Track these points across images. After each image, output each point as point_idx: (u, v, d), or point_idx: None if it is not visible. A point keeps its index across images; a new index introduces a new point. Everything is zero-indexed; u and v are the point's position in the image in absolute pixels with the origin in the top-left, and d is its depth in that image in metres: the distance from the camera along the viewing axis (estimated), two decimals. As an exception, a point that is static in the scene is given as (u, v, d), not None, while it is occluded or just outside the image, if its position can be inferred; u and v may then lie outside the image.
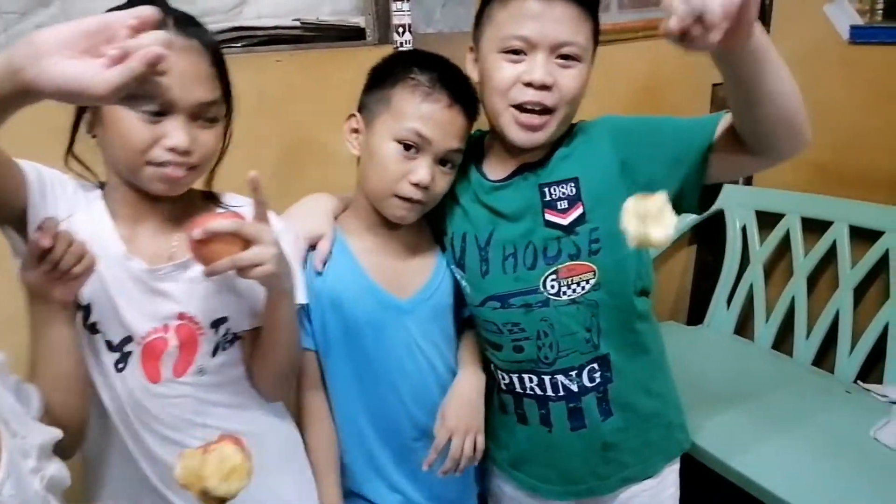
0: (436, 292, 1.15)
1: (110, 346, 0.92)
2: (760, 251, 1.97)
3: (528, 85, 1.00)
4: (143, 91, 0.63)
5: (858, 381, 1.72)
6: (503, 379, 1.16)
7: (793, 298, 1.88)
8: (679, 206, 0.99)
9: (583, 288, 1.06)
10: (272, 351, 0.98)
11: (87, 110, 0.91)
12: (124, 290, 0.91)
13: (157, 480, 0.95)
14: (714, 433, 1.52)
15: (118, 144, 0.88)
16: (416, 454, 1.15)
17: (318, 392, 1.15)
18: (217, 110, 0.91)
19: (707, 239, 2.16)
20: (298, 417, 1.15)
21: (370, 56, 1.31)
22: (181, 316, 0.94)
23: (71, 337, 0.87)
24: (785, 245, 1.93)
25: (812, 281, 1.89)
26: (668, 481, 1.19)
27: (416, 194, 1.05)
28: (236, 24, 1.40)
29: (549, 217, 1.06)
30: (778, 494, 1.34)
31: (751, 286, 1.98)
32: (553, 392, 1.11)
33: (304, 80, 1.41)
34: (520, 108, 1.02)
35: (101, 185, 0.96)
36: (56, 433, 0.78)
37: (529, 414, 1.15)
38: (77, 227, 0.85)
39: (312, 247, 1.12)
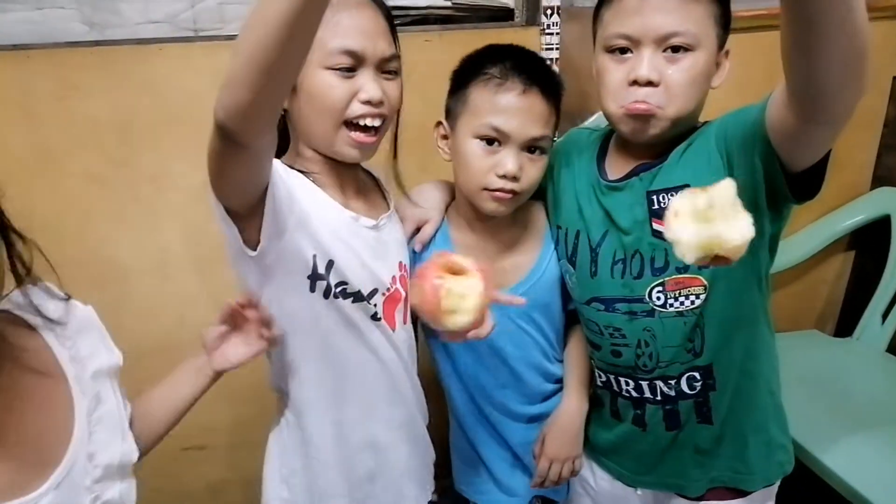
0: (534, 286, 1.15)
1: (359, 298, 0.99)
2: (929, 265, 1.79)
3: (635, 83, 0.97)
4: None
5: None
6: (600, 377, 1.16)
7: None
8: (776, 198, 0.94)
9: (692, 302, 1.02)
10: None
11: None
12: (362, 248, 0.99)
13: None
14: (842, 451, 1.43)
15: (317, 108, 0.94)
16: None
17: None
18: (397, 64, 0.99)
19: (869, 245, 1.98)
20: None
21: (517, 37, 1.32)
22: (400, 265, 1.06)
23: (200, 390, 0.97)
24: (960, 262, 1.74)
25: None
26: None
27: (506, 185, 1.05)
28: (391, 3, 1.45)
29: (656, 226, 1.02)
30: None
31: (913, 302, 1.80)
32: (651, 394, 1.09)
33: (451, 60, 1.44)
34: (632, 104, 0.99)
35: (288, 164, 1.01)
36: (133, 455, 0.77)
37: (623, 413, 1.14)
38: (303, 200, 0.93)
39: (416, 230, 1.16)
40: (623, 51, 0.99)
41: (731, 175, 0.93)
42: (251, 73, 0.66)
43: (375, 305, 1.01)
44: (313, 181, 0.98)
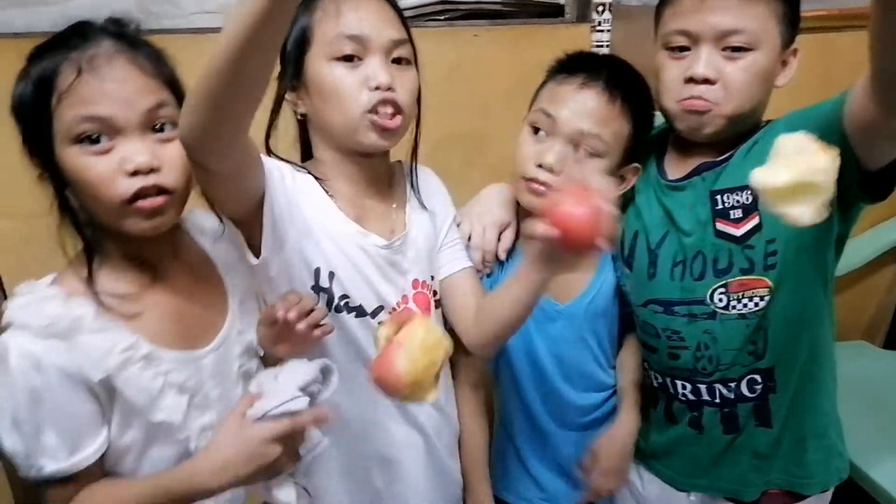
0: (596, 296, 1.13)
1: (362, 314, 0.96)
2: None
3: (691, 80, 0.96)
4: None
5: None
6: (655, 379, 1.14)
7: None
8: (847, 197, 0.91)
9: (755, 304, 1.00)
10: None
11: (287, 92, 0.95)
12: (367, 264, 0.95)
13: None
14: (891, 467, 1.37)
15: (330, 103, 0.91)
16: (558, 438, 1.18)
17: (480, 390, 1.18)
18: (407, 50, 0.94)
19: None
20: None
21: (567, 34, 1.31)
22: (415, 283, 1.01)
23: None
24: None
25: None
26: None
27: (541, 175, 1.01)
28: (440, -3, 1.46)
29: (720, 227, 1.00)
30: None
31: (968, 317, 1.74)
32: (709, 397, 1.07)
33: (498, 55, 1.44)
34: (686, 100, 0.98)
35: (305, 168, 0.98)
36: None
37: (679, 415, 1.12)
38: (308, 210, 0.91)
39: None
40: (682, 48, 0.98)
41: None
42: (201, 100, 0.67)
43: (380, 323, 0.94)
44: (326, 189, 0.95)
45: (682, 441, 1.12)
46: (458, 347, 0.99)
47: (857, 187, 0.89)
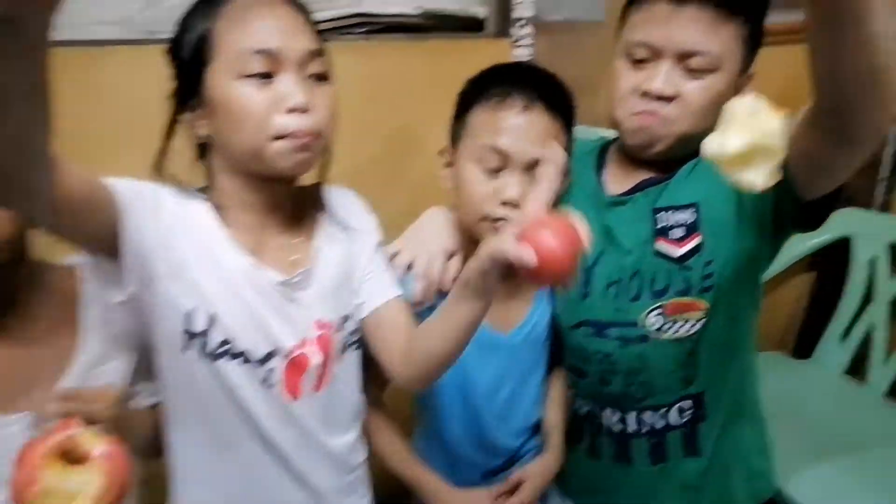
0: (537, 325, 1.08)
1: (247, 360, 0.85)
2: (888, 288, 1.80)
3: (647, 94, 0.93)
4: None
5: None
6: (581, 408, 1.11)
7: (919, 346, 1.72)
8: (781, 226, 0.91)
9: (690, 327, 0.98)
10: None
11: (186, 109, 0.84)
12: (259, 303, 0.85)
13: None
14: (809, 482, 1.42)
15: (238, 126, 0.80)
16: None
17: (382, 407, 1.10)
18: (324, 64, 0.84)
19: (828, 266, 2.00)
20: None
21: (487, 50, 1.28)
22: (319, 324, 0.90)
23: None
24: (918, 285, 1.76)
25: (944, 329, 1.71)
26: None
27: (510, 214, 0.94)
28: (359, 10, 1.40)
29: (659, 246, 0.98)
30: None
31: (871, 325, 1.82)
32: (636, 427, 1.05)
33: (420, 70, 1.40)
34: (638, 114, 0.95)
35: (204, 193, 0.88)
36: None
37: (604, 450, 1.09)
38: (188, 242, 0.82)
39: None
40: (643, 60, 0.95)
41: (739, 200, 0.93)
42: None
43: (271, 371, 0.86)
44: (220, 219, 0.85)
45: (608, 476, 1.10)
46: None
47: (792, 217, 0.89)
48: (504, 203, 0.95)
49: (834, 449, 1.52)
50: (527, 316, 1.08)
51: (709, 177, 0.94)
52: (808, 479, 1.42)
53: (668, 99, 0.93)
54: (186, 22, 0.83)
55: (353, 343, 0.95)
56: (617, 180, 1.05)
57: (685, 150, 0.97)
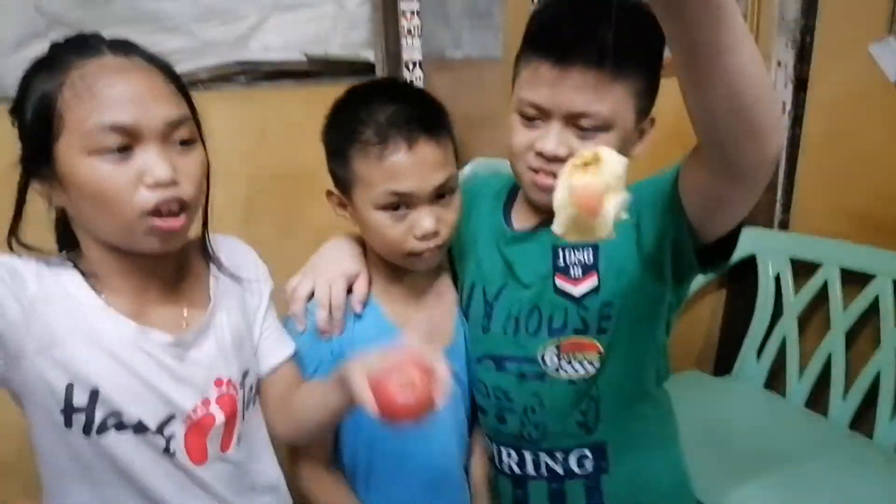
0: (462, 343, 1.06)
1: (141, 430, 0.78)
2: (795, 302, 1.85)
3: (540, 154, 0.91)
4: None
5: (900, 450, 1.58)
6: (489, 445, 1.07)
7: (829, 355, 1.75)
8: (682, 268, 0.90)
9: (585, 369, 0.96)
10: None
11: (34, 179, 0.76)
12: (149, 368, 0.79)
13: None
14: (734, 498, 1.41)
15: (100, 204, 0.74)
16: None
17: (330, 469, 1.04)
18: (189, 129, 0.78)
19: (739, 283, 2.04)
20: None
21: (377, 94, 1.23)
22: (218, 382, 0.85)
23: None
24: (822, 297, 1.80)
25: (851, 336, 1.75)
26: None
27: (429, 244, 0.95)
28: (241, 57, 1.36)
29: (559, 283, 0.96)
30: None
31: (783, 338, 1.85)
32: (534, 471, 1.01)
33: (309, 116, 1.34)
34: (536, 171, 0.93)
35: (70, 260, 0.81)
36: None
37: (502, 492, 1.05)
38: (56, 316, 0.75)
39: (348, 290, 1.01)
40: (533, 118, 0.92)
41: (638, 245, 0.91)
42: None
43: (170, 438, 0.80)
44: (93, 285, 0.79)
45: None
46: None
47: (692, 257, 0.87)
48: (421, 238, 0.94)
49: (759, 464, 1.51)
50: (452, 336, 1.06)
51: None
52: (738, 496, 1.41)
53: (563, 159, 0.90)
54: (28, 84, 0.75)
55: (254, 398, 0.91)
56: (523, 217, 1.03)
57: None
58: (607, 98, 0.88)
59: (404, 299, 1.04)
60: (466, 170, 1.37)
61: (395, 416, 0.75)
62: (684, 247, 0.86)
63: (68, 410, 0.75)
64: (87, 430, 0.76)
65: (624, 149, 0.93)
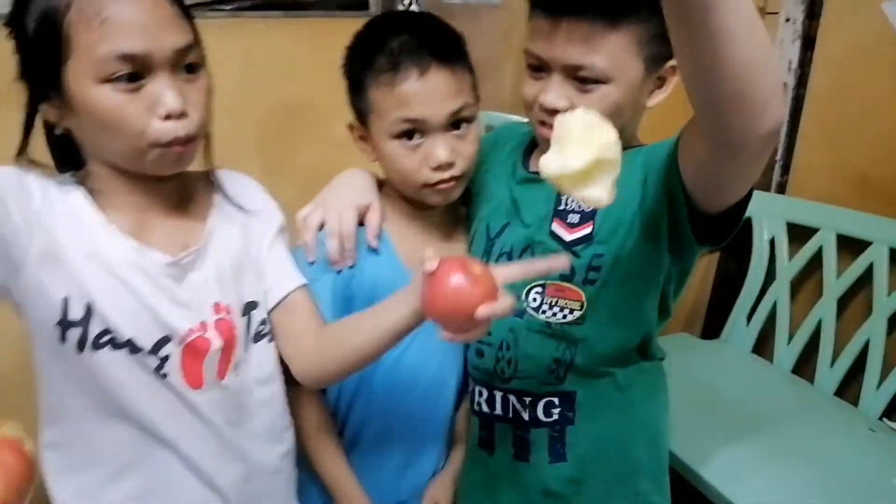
0: None
1: (135, 350, 0.79)
2: (789, 267, 1.82)
3: (543, 107, 0.90)
4: None
5: (885, 419, 1.57)
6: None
7: (819, 321, 1.73)
8: (679, 239, 0.87)
9: (564, 316, 0.94)
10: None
11: (45, 100, 0.77)
12: (146, 286, 0.80)
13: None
14: (718, 461, 1.40)
15: (111, 131, 0.75)
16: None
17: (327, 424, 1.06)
18: (197, 55, 0.79)
19: (731, 246, 1.99)
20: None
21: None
22: (217, 308, 0.85)
23: None
24: (816, 262, 1.77)
25: (843, 304, 1.72)
26: None
27: (444, 174, 0.95)
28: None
29: (554, 227, 0.95)
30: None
31: (774, 303, 1.83)
32: (502, 411, 1.01)
33: (297, 51, 1.29)
34: (542, 123, 0.92)
35: (75, 177, 0.82)
36: None
37: (471, 433, 1.06)
38: (59, 229, 0.76)
39: (360, 223, 1.01)
40: (537, 69, 0.91)
41: (639, 204, 0.89)
42: None
43: (165, 358, 0.81)
44: (97, 203, 0.80)
45: (473, 458, 1.07)
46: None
47: (690, 231, 0.84)
48: (436, 168, 0.95)
49: (743, 428, 1.50)
50: None
51: (624, 174, 0.90)
52: (721, 459, 1.40)
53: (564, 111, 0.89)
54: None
55: (266, 334, 0.91)
56: (538, 162, 1.01)
57: None
58: (602, 49, 0.85)
59: (418, 241, 1.03)
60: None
61: (442, 297, 0.75)
62: (679, 213, 0.84)
63: (63, 324, 0.76)
64: (80, 345, 0.77)
65: (636, 100, 0.91)
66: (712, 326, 2.02)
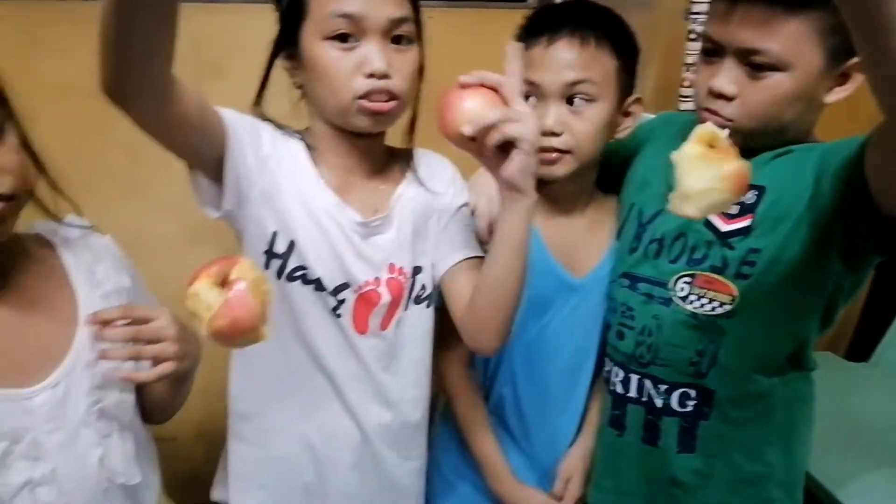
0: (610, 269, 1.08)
1: (320, 288, 0.91)
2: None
3: (711, 92, 0.90)
4: None
5: None
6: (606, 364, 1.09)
7: None
8: (854, 247, 0.84)
9: (712, 308, 0.92)
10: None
11: (281, 55, 0.91)
12: (339, 238, 0.92)
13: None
14: (857, 488, 1.33)
15: (322, 83, 0.87)
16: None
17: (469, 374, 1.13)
18: (409, 28, 0.89)
19: (889, 262, 1.86)
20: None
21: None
22: (391, 268, 0.95)
23: None
24: None
25: None
26: None
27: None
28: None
29: (710, 216, 0.92)
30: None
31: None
32: (636, 394, 1.00)
33: (453, 40, 1.33)
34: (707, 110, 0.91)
35: (299, 134, 0.95)
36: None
37: (604, 410, 1.06)
38: (280, 174, 0.89)
39: None
40: (711, 52, 0.91)
41: (811, 201, 0.85)
42: (102, 46, 0.66)
43: (342, 301, 0.92)
44: (312, 157, 0.93)
45: (601, 439, 1.08)
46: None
47: (868, 236, 0.81)
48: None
49: (891, 457, 1.41)
50: (601, 261, 1.08)
51: (789, 168, 0.89)
52: (861, 486, 1.34)
53: (729, 98, 0.88)
54: None
55: (425, 298, 0.99)
56: None
57: (760, 143, 0.90)
58: (780, 34, 0.82)
59: (557, 224, 1.07)
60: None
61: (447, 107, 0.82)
62: (859, 223, 0.80)
63: (269, 254, 0.90)
64: (279, 274, 0.90)
65: (811, 94, 0.87)
66: (860, 347, 1.89)
